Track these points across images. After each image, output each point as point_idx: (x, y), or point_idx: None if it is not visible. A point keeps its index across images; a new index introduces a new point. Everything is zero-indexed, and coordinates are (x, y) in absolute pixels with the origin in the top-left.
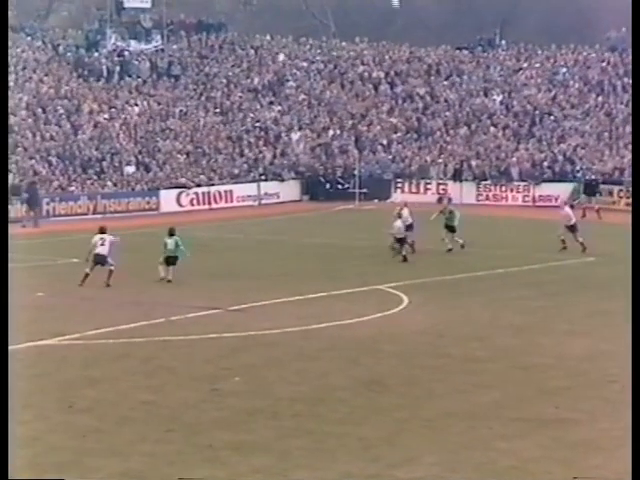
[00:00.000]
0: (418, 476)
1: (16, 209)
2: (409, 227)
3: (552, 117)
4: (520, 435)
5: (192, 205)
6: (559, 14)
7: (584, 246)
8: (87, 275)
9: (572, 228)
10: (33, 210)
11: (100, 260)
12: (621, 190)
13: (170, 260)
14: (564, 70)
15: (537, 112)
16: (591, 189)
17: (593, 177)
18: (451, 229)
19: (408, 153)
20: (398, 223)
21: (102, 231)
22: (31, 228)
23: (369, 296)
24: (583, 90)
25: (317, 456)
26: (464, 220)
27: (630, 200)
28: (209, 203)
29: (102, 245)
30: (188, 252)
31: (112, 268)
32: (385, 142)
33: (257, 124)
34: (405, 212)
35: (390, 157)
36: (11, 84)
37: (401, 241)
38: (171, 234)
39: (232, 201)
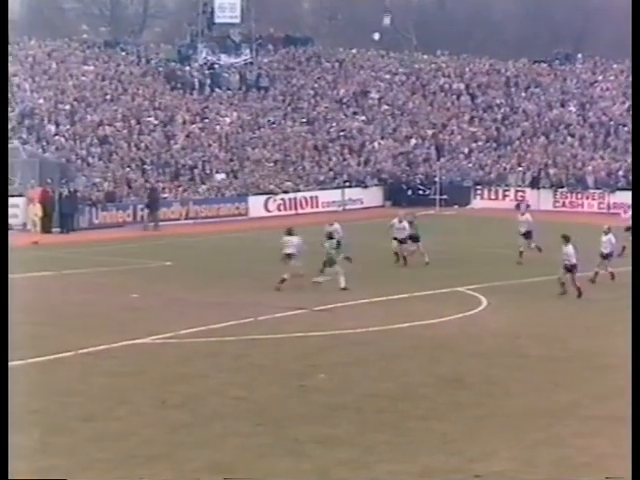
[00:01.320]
0: (497, 470)
1: (112, 215)
2: (412, 237)
3: (626, 128)
4: (595, 432)
5: (279, 210)
6: None
7: (540, 249)
8: (284, 280)
9: (526, 235)
10: (153, 214)
11: (288, 259)
12: None
13: (328, 262)
14: None
15: (612, 123)
16: None
17: None
18: (415, 239)
19: (488, 161)
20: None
21: (290, 232)
22: (151, 231)
23: (449, 297)
24: None
25: (400, 450)
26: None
27: None
28: (295, 208)
29: (290, 246)
30: (341, 254)
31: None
32: (465, 150)
33: (342, 133)
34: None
35: (470, 165)
36: (107, 97)
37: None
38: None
39: (317, 207)
